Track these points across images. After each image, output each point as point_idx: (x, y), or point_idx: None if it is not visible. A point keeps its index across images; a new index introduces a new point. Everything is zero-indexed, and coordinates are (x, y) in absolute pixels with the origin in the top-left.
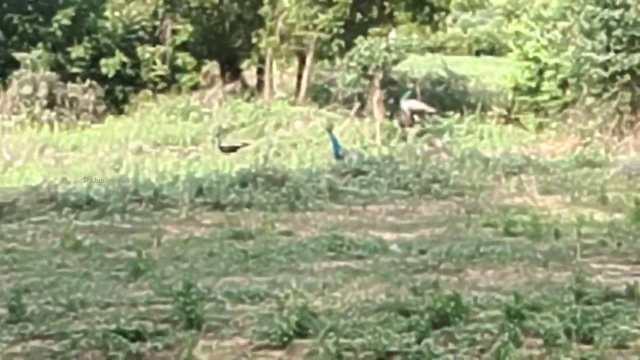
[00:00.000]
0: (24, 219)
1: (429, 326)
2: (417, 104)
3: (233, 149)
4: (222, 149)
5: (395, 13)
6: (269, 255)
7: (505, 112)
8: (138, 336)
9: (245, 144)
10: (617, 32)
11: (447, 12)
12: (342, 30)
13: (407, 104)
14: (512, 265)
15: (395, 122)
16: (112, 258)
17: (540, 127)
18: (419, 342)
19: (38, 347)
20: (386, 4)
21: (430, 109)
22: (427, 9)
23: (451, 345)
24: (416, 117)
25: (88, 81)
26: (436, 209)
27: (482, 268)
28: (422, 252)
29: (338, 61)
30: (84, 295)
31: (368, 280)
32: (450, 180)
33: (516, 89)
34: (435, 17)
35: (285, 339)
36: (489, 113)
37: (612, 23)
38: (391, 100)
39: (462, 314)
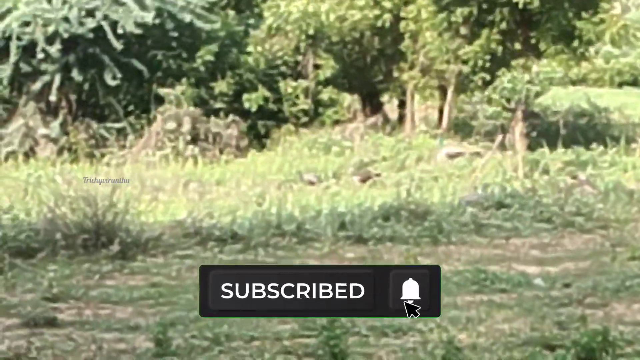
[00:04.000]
0: (169, 253)
1: None
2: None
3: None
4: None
5: (541, 45)
6: None
7: None
8: None
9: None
10: None
11: (592, 43)
12: (487, 64)
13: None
14: None
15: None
16: None
17: None
18: None
19: None
20: (532, 34)
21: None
22: (576, 42)
23: None
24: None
25: (231, 116)
26: (580, 243)
27: (628, 302)
28: (567, 285)
29: (480, 94)
30: (229, 330)
31: (512, 314)
32: (594, 213)
33: None
34: (581, 49)
35: None
36: (633, 145)
37: None
38: (534, 133)
39: (608, 349)
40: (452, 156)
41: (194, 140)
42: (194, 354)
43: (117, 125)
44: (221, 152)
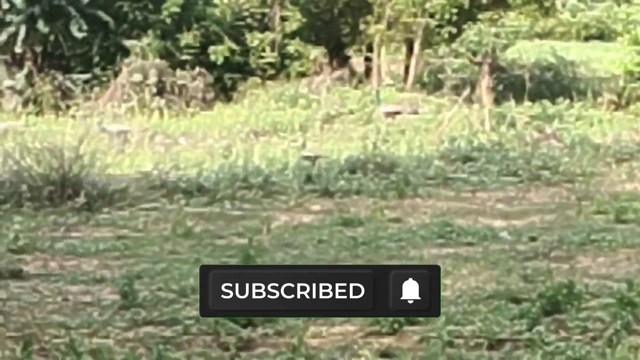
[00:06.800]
0: (135, 205)
1: (540, 313)
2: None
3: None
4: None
5: None
6: (378, 242)
7: (615, 98)
8: (249, 322)
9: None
10: None
11: None
12: (453, 17)
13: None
14: (623, 253)
15: None
16: (223, 245)
17: None
18: (530, 329)
19: (150, 332)
20: None
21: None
22: None
23: (562, 333)
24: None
25: (197, 68)
26: (546, 196)
27: (593, 255)
28: (533, 239)
29: (446, 48)
30: (195, 282)
31: (478, 268)
32: (560, 167)
33: (627, 74)
34: (548, 2)
35: (396, 325)
36: (599, 99)
37: None
38: (500, 87)
39: (573, 302)
40: (390, 114)
41: (160, 92)
42: (160, 306)
43: (83, 76)
44: (187, 104)
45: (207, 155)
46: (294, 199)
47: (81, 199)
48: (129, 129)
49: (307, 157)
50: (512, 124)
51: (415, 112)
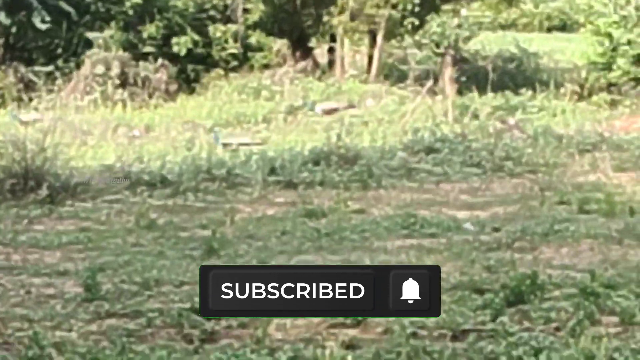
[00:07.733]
0: (98, 197)
1: (504, 304)
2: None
3: None
4: None
5: None
6: (342, 233)
7: (578, 89)
8: None
9: None
10: None
11: None
12: (416, 8)
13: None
14: (586, 243)
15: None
16: (186, 237)
17: (613, 103)
18: (493, 320)
19: (113, 325)
20: None
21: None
22: None
23: (526, 323)
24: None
25: (160, 60)
26: (509, 187)
27: (556, 246)
28: (496, 230)
29: (409, 39)
30: (158, 274)
31: (442, 259)
32: (523, 157)
33: (590, 65)
34: None
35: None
36: (562, 90)
37: None
38: (463, 78)
39: (537, 292)
40: (327, 112)
41: (123, 84)
42: (124, 299)
43: (46, 69)
44: (150, 96)
45: (170, 147)
46: (258, 191)
47: (44, 192)
48: (42, 117)
49: (226, 145)
50: (475, 115)
51: (352, 106)
